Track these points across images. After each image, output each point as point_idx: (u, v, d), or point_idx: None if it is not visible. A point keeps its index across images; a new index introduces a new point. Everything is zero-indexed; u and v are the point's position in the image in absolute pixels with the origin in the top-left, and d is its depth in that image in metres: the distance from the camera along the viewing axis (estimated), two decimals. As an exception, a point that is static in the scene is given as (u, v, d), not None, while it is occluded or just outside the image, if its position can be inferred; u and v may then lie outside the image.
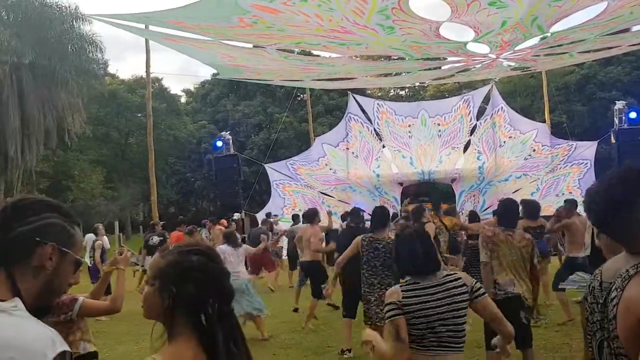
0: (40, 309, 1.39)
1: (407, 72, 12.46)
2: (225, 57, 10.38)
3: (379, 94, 42.13)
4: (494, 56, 10.63)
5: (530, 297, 4.61)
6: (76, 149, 30.42)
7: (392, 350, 2.73)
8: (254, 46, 10.37)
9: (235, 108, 39.71)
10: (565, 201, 8.56)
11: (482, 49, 9.99)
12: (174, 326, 1.51)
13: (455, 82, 34.07)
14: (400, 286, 2.90)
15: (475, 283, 2.87)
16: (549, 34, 9.04)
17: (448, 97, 35.85)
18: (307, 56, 10.40)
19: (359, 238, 5.69)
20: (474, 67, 12.01)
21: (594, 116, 34.64)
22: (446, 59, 11.06)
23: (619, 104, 17.23)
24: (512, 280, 4.51)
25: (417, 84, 24.70)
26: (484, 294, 2.85)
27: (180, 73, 66.06)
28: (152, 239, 10.36)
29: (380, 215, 5.85)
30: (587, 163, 18.92)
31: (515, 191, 19.83)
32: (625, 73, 34.46)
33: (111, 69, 35.80)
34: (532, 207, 7.76)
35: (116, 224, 28.54)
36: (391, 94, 46.10)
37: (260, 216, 17.07)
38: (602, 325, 1.64)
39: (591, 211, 1.72)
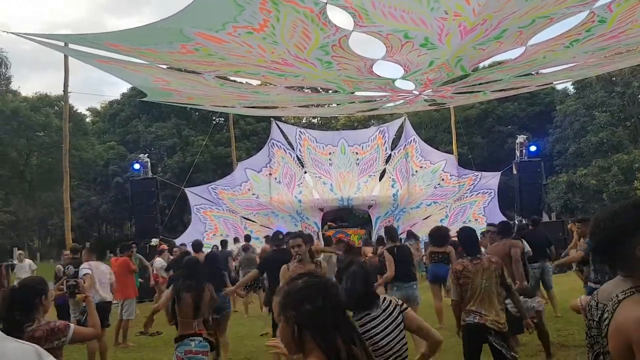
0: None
1: (337, 104, 13.01)
2: (158, 80, 10.28)
3: (292, 122, 42.88)
4: (417, 93, 11.43)
5: (502, 322, 4.48)
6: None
7: None
8: (187, 71, 10.37)
9: (148, 129, 38.58)
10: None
11: (408, 85, 10.72)
12: (306, 347, 1.61)
13: (365, 113, 35.59)
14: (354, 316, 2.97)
15: (398, 301, 3.03)
16: (470, 74, 9.94)
17: (358, 127, 37.43)
18: (243, 84, 10.54)
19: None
20: (398, 102, 12.78)
21: (492, 148, 37.60)
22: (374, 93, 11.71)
23: (520, 138, 18.86)
24: (478, 309, 4.46)
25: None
26: (407, 308, 3.02)
27: (82, 91, 63.32)
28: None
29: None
30: (491, 192, 20.50)
31: (426, 218, 21.02)
32: (521, 109, 37.81)
33: (13, 86, 33.51)
34: (439, 235, 8.28)
35: (15, 251, 26.30)
36: (303, 121, 47.02)
37: (182, 242, 16.65)
38: (597, 340, 1.89)
39: (595, 235, 1.97)
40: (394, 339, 2.91)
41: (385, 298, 3.05)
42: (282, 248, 6.87)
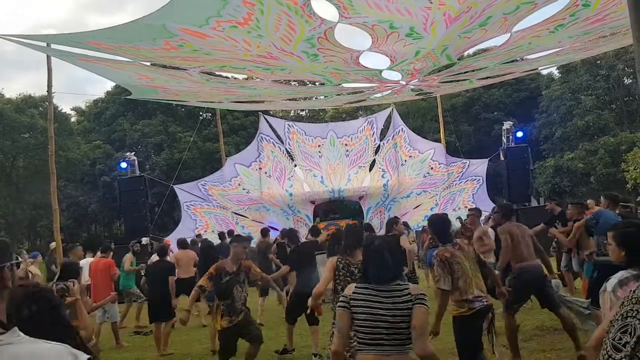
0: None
1: (324, 96, 12.98)
2: (143, 78, 10.18)
3: (280, 115, 42.54)
4: (404, 83, 11.42)
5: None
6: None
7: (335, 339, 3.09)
8: (172, 67, 10.26)
9: (134, 127, 38.15)
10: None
11: (394, 76, 10.70)
12: None
13: (352, 104, 35.51)
14: (356, 285, 3.14)
15: (419, 293, 3.02)
16: (456, 62, 9.94)
17: (346, 118, 37.37)
18: (229, 79, 10.46)
19: (333, 259, 4.91)
20: (385, 93, 12.76)
21: (479, 135, 37.72)
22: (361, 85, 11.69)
23: (507, 124, 18.89)
24: (479, 294, 4.43)
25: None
26: (419, 303, 2.97)
27: (65, 91, 62.60)
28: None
29: (355, 235, 4.97)
30: (479, 179, 20.60)
31: (416, 207, 21.12)
32: (507, 95, 37.91)
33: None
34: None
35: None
36: (291, 114, 46.76)
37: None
38: None
39: None
40: (387, 321, 2.94)
41: (405, 285, 3.07)
42: (312, 241, 6.91)
